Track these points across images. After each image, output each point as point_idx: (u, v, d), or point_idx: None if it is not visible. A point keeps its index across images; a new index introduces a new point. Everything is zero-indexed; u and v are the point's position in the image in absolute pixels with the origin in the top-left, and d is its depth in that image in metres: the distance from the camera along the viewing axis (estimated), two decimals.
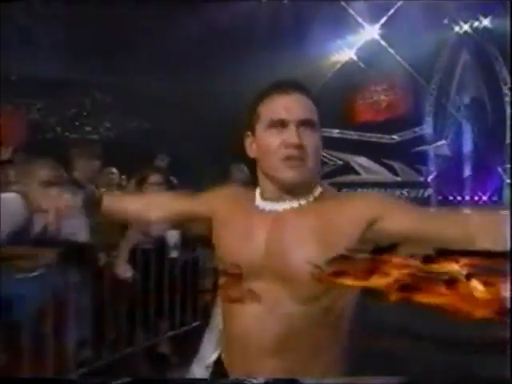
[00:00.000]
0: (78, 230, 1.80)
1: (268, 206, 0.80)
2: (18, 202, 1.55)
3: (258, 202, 0.82)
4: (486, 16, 7.97)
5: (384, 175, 7.21)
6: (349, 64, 8.85)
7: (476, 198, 8.09)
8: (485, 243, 0.60)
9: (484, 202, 8.00)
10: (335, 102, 7.69)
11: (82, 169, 2.00)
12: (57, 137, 8.52)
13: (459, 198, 8.21)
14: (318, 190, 0.80)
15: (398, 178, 7.24)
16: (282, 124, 0.75)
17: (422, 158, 7.48)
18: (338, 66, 8.95)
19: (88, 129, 9.12)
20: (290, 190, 0.78)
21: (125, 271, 2.12)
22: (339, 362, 0.79)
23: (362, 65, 8.74)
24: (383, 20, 8.43)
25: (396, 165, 7.10)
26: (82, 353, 2.11)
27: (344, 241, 0.71)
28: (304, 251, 0.73)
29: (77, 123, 9.21)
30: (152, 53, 6.98)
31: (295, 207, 0.78)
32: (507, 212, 0.62)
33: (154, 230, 2.25)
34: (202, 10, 7.13)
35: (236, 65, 7.03)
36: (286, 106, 0.76)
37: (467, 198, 8.17)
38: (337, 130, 8.08)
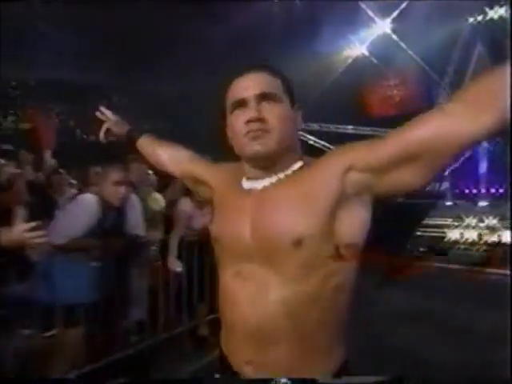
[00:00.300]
0: (136, 225, 2.11)
1: (250, 185, 0.82)
2: (94, 201, 1.88)
3: (243, 182, 0.84)
4: (501, 5, 8.02)
5: None
6: (360, 59, 8.99)
7: (493, 191, 8.22)
8: (487, 117, 0.60)
9: (501, 194, 8.11)
10: (347, 98, 7.86)
11: (136, 172, 2.32)
12: (76, 140, 8.91)
13: (475, 190, 8.34)
14: (297, 165, 0.80)
15: None
16: (242, 103, 0.78)
17: None
18: (350, 61, 9.11)
19: None
20: (267, 167, 0.79)
21: (176, 266, 2.41)
22: (339, 342, 0.79)
23: (374, 60, 8.90)
24: (395, 14, 8.56)
25: None
26: (137, 333, 2.44)
27: (326, 200, 0.72)
28: (286, 222, 0.73)
29: (95, 126, 9.56)
30: (168, 55, 7.22)
31: (274, 182, 0.79)
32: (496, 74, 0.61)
33: (197, 224, 2.56)
34: (216, 11, 7.35)
35: (248, 64, 7.23)
36: (243, 86, 0.78)
37: (483, 190, 8.30)
38: (351, 126, 8.28)
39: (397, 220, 5.75)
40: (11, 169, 1.88)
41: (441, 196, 7.29)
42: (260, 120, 0.75)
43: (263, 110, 0.76)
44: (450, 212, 7.31)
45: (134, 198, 2.10)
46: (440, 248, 6.54)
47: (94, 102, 9.41)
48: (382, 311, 3.36)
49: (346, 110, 7.99)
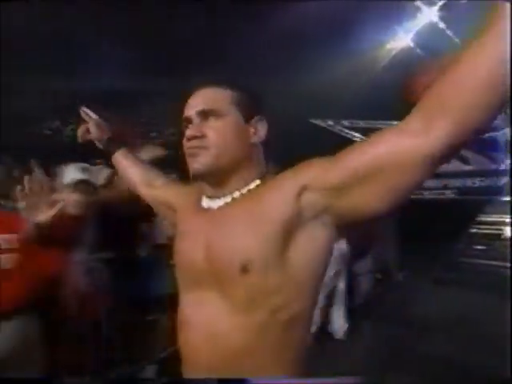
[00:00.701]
0: None
1: (208, 203, 0.80)
2: None
3: (203, 200, 0.82)
4: None
5: (454, 164, 6.91)
6: (405, 51, 8.80)
7: None
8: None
9: None
10: (393, 92, 7.75)
11: None
12: None
13: None
14: (254, 183, 0.77)
15: (470, 167, 7.08)
16: (188, 121, 0.79)
17: (494, 145, 7.24)
18: (394, 53, 8.94)
19: (153, 134, 10.07)
20: (219, 184, 0.78)
21: None
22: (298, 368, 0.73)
23: (420, 51, 8.69)
24: (442, 1, 8.29)
25: (466, 153, 6.92)
26: None
27: (278, 223, 0.68)
28: (233, 245, 0.70)
29: (142, 130, 10.19)
30: (213, 55, 7.47)
31: (228, 202, 0.76)
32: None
33: None
34: (255, 11, 7.53)
35: (289, 63, 7.33)
36: (190, 104, 0.80)
37: None
38: (396, 122, 8.16)
39: (449, 218, 5.68)
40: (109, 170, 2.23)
41: (498, 192, 7.02)
42: (199, 137, 0.75)
43: (205, 126, 0.76)
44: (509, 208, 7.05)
45: None
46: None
47: (145, 109, 10.01)
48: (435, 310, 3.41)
49: (391, 105, 7.89)
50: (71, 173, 1.72)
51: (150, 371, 2.22)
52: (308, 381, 0.68)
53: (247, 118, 0.79)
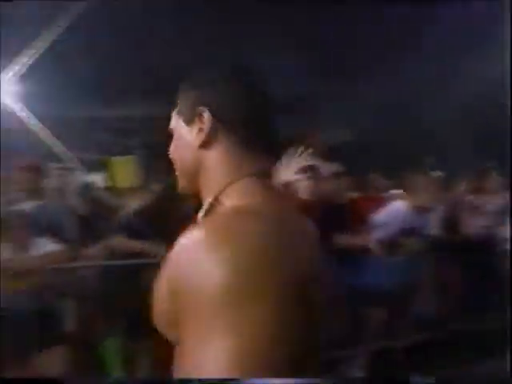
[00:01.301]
0: (436, 226, 2.42)
1: None
2: (404, 206, 2.32)
3: None
4: None
5: None
6: None
7: None
8: None
9: None
10: None
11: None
12: None
13: None
14: (206, 204, 0.60)
15: None
16: None
17: None
18: None
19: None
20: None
21: None
22: None
23: None
24: None
25: None
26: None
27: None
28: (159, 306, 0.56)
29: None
30: (375, 57, 6.99)
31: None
32: None
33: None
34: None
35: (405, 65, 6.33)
36: None
37: None
38: None
39: None
40: None
41: None
42: (173, 160, 0.65)
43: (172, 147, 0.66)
44: None
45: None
46: None
47: (301, 114, 10.07)
48: None
49: None
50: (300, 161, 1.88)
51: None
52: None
53: (190, 118, 0.61)
